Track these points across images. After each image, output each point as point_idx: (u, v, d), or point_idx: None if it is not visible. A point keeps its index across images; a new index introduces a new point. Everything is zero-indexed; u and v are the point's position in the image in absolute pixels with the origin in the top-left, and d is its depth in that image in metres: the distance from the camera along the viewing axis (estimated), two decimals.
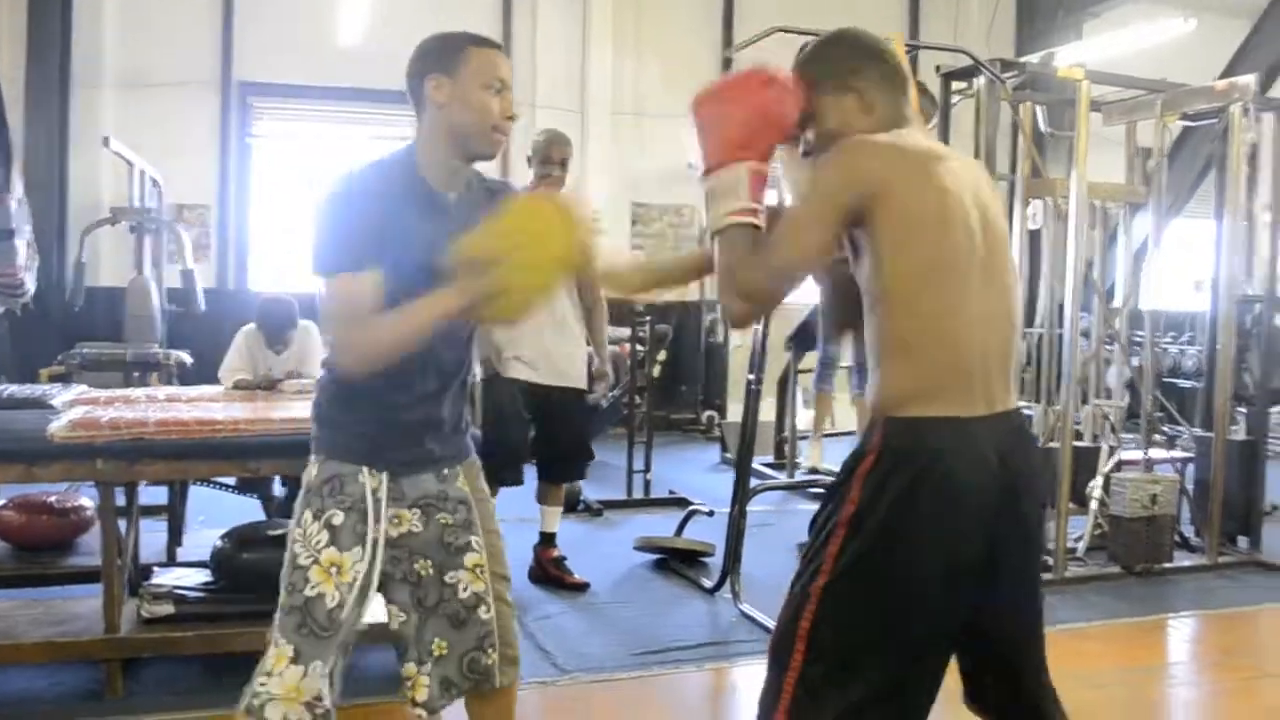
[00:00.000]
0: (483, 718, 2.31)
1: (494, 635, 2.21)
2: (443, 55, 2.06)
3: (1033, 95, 4.87)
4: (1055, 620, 3.63)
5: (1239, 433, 5.36)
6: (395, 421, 2.11)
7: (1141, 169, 5.42)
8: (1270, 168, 5.19)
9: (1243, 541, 5.26)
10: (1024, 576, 1.92)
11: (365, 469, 2.08)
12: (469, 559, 2.18)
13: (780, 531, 5.39)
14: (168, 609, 3.37)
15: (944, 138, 4.95)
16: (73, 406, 3.67)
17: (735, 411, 9.66)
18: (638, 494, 6.37)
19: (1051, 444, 4.85)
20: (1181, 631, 4.28)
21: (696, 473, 7.43)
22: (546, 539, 4.51)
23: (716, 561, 4.89)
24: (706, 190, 1.90)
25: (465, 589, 2.18)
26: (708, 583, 4.60)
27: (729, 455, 7.40)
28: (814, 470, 6.91)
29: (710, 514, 5.08)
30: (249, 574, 3.51)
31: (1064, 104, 5.08)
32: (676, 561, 4.95)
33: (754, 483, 4.74)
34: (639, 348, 6.97)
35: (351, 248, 1.96)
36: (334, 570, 2.04)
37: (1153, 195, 5.08)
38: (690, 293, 9.18)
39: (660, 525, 5.64)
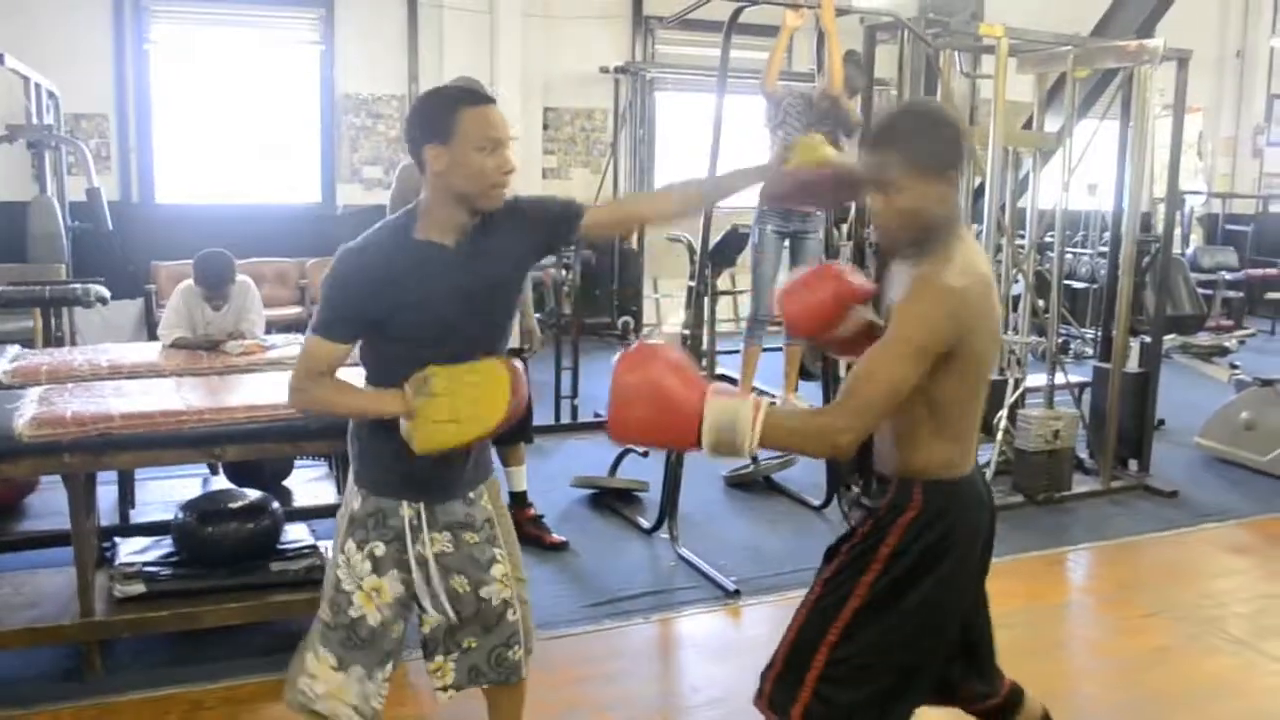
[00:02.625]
0: (500, 704, 2.57)
1: (519, 634, 2.45)
2: (436, 122, 2.14)
3: (951, 42, 5.01)
4: None
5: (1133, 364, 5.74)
6: (431, 458, 2.25)
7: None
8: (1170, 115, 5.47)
9: (1133, 465, 5.70)
10: (987, 567, 2.32)
11: (405, 503, 2.28)
12: (496, 570, 2.39)
13: (706, 462, 5.60)
14: (139, 588, 3.48)
15: (869, 85, 5.10)
16: (23, 386, 3.70)
17: (650, 317, 9.88)
18: (565, 419, 6.56)
19: None
20: (1080, 565, 4.69)
21: None
22: (519, 498, 4.58)
23: (650, 497, 5.14)
24: (713, 448, 1.94)
25: (496, 598, 2.39)
26: (645, 522, 4.84)
27: None
28: None
29: (645, 454, 5.29)
30: (213, 548, 3.63)
31: (981, 50, 5.25)
32: (611, 498, 5.18)
33: None
34: (563, 273, 7.06)
35: (330, 319, 2.19)
36: (375, 594, 2.28)
37: (1063, 143, 5.31)
38: (604, 196, 9.21)
39: (591, 452, 5.87)
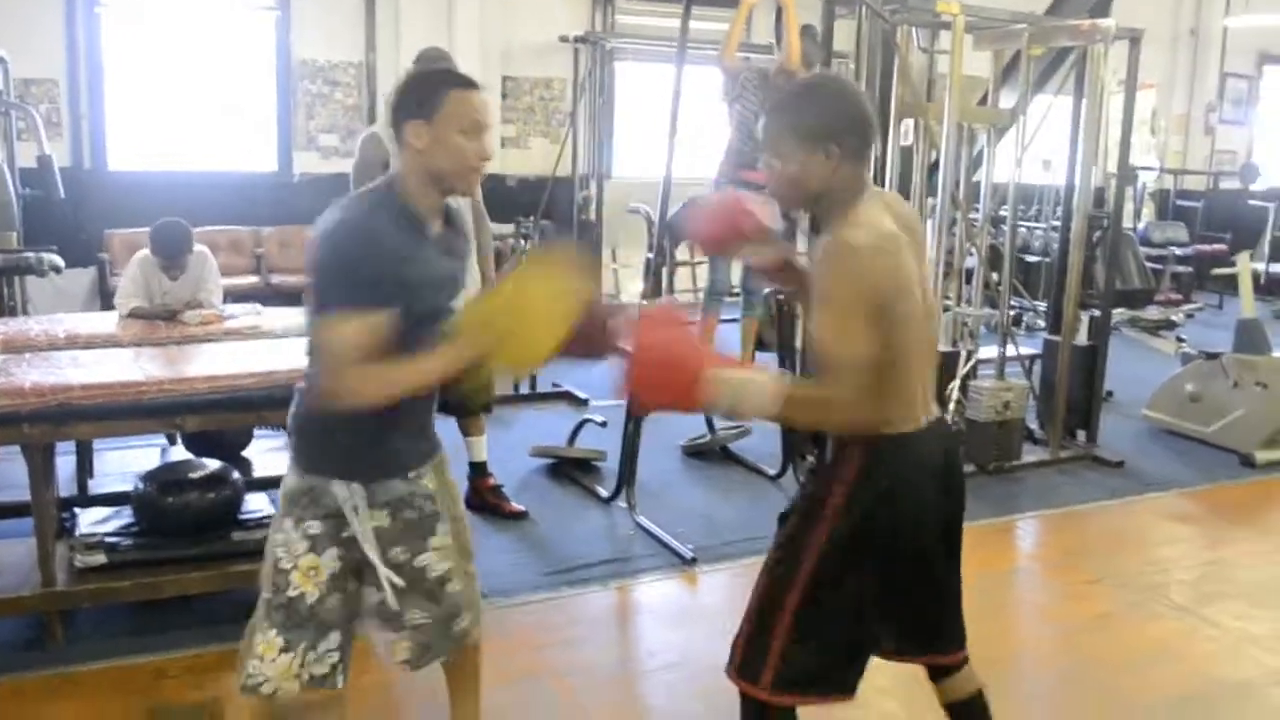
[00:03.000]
0: (454, 675, 2.63)
1: (461, 605, 2.47)
2: (421, 99, 2.14)
3: (908, 18, 5.07)
4: None
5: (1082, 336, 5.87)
6: (369, 436, 2.27)
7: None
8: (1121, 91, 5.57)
9: (1081, 435, 5.84)
10: (960, 522, 2.37)
11: (339, 481, 2.26)
12: (434, 542, 2.40)
13: (663, 431, 5.67)
14: (100, 559, 3.49)
15: (826, 59, 5.14)
16: None
17: (609, 287, 9.90)
18: (524, 389, 6.60)
19: None
20: (1028, 533, 4.81)
21: None
22: (479, 468, 4.62)
23: (608, 466, 5.20)
24: (729, 410, 2.11)
25: (434, 569, 2.40)
26: (603, 491, 4.90)
27: None
28: None
29: (604, 424, 5.35)
30: (174, 518, 3.64)
31: (938, 26, 5.31)
32: (569, 467, 5.24)
33: None
34: (522, 242, 7.08)
35: (353, 287, 2.06)
36: (312, 573, 2.26)
37: (1016, 120, 5.39)
38: (563, 166, 9.20)
39: (549, 422, 5.92)
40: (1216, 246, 11.03)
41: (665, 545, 4.33)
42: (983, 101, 5.90)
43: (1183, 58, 12.37)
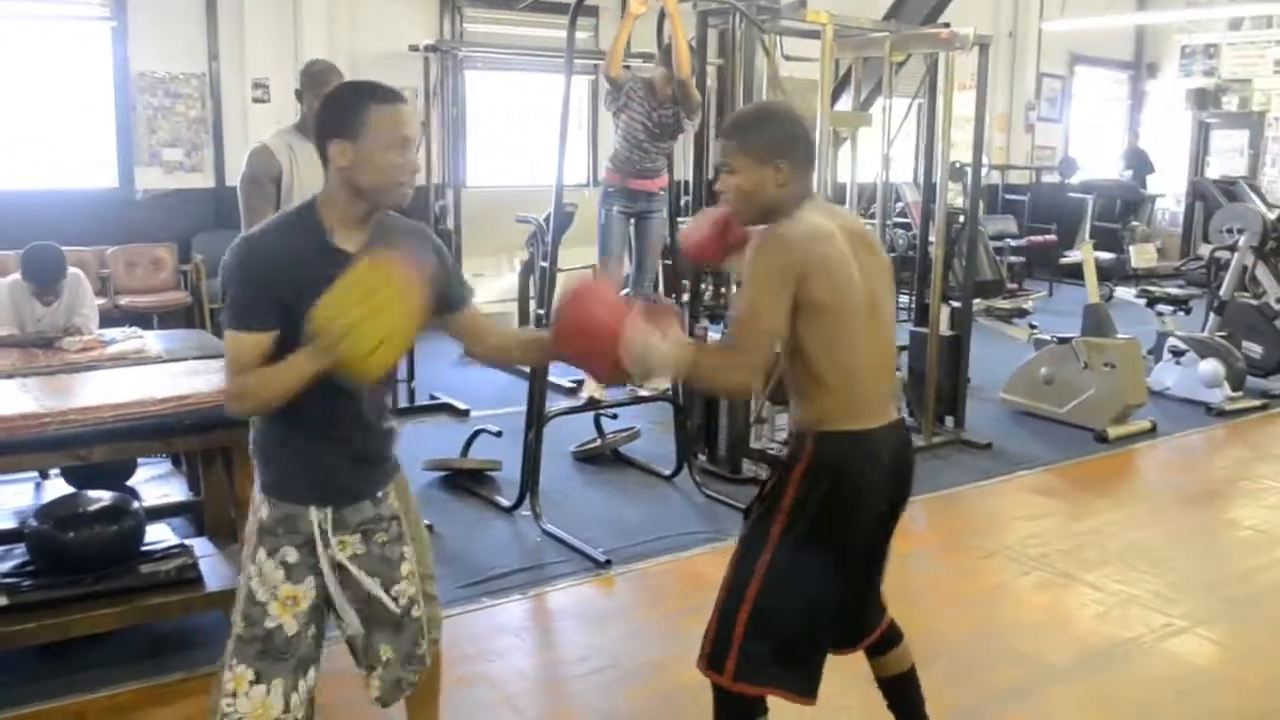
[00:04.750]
0: (411, 698, 2.57)
1: (424, 629, 2.45)
2: (345, 118, 2.10)
3: (776, 27, 5.25)
4: None
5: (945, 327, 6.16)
6: (332, 458, 2.24)
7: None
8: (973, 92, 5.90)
9: (949, 421, 6.13)
10: (895, 522, 2.52)
11: (313, 507, 2.23)
12: (404, 568, 2.38)
13: (553, 437, 5.62)
14: (1, 601, 3.30)
15: (700, 70, 5.27)
16: None
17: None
18: (403, 403, 6.51)
19: None
20: (916, 517, 5.03)
21: (446, 368, 7.28)
22: None
23: (503, 476, 5.19)
24: (639, 373, 2.30)
25: (403, 597, 2.38)
26: (503, 500, 4.90)
27: None
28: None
29: (499, 434, 5.34)
30: (76, 554, 3.47)
31: (807, 34, 5.51)
32: (464, 479, 5.20)
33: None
34: None
35: (242, 310, 2.11)
36: (290, 602, 2.22)
37: (882, 122, 5.64)
38: (419, 177, 9.10)
39: (435, 435, 5.87)
40: (1048, 237, 11.69)
41: (576, 550, 4.36)
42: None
43: (1002, 60, 13.06)
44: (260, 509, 2.25)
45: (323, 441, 2.23)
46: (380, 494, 2.35)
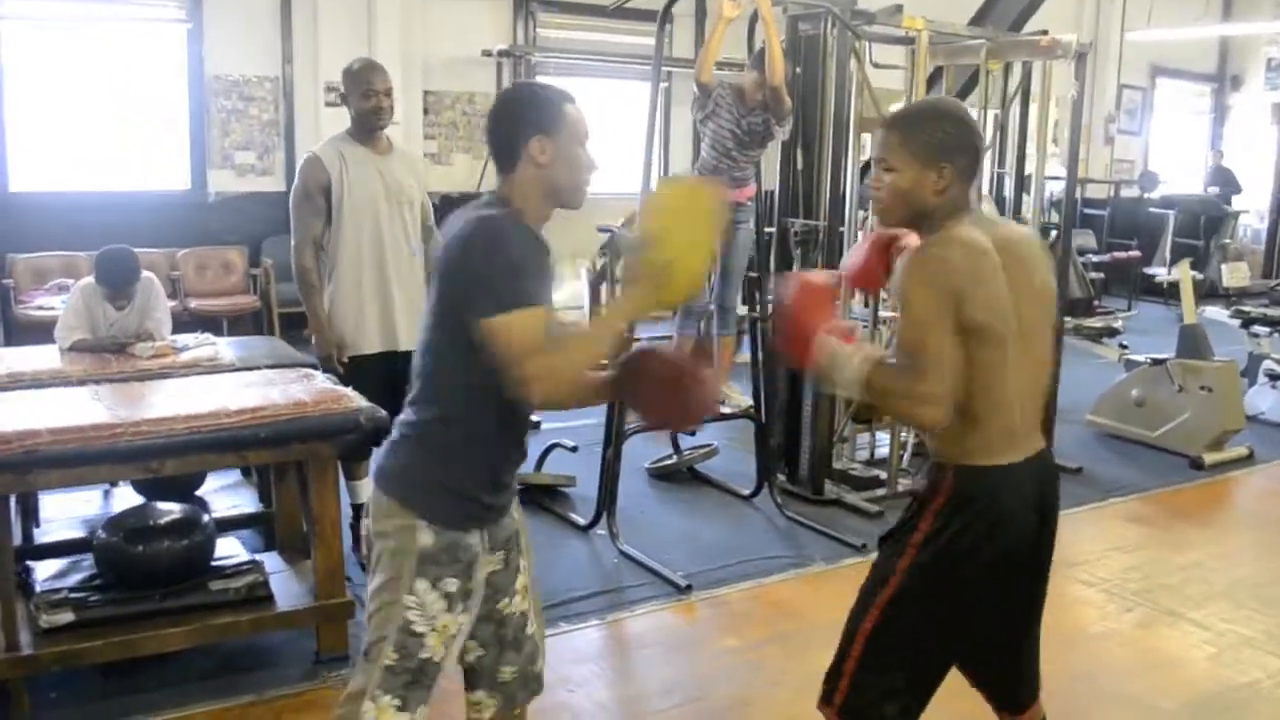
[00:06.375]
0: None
1: (539, 646, 2.37)
2: (543, 115, 2.10)
3: (869, 34, 5.06)
4: None
5: None
6: (495, 471, 2.18)
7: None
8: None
9: None
10: (1047, 570, 2.30)
11: (477, 531, 2.17)
12: (519, 582, 2.31)
13: (628, 454, 5.47)
14: (67, 616, 3.20)
15: (792, 75, 5.09)
16: None
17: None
18: None
19: None
20: None
21: None
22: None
23: (577, 492, 5.05)
24: (824, 372, 2.20)
25: (521, 612, 2.31)
26: (578, 519, 4.74)
27: None
28: None
29: (574, 449, 5.18)
30: (144, 568, 3.37)
31: (903, 41, 5.32)
32: (538, 494, 5.05)
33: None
34: None
35: (524, 284, 2.01)
36: (445, 632, 2.16)
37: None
38: (487, 182, 9.01)
39: None
40: (1132, 253, 11.33)
41: (656, 573, 4.19)
42: None
43: (1084, 71, 12.71)
44: (420, 537, 2.12)
45: (506, 447, 2.20)
46: (511, 507, 2.29)
